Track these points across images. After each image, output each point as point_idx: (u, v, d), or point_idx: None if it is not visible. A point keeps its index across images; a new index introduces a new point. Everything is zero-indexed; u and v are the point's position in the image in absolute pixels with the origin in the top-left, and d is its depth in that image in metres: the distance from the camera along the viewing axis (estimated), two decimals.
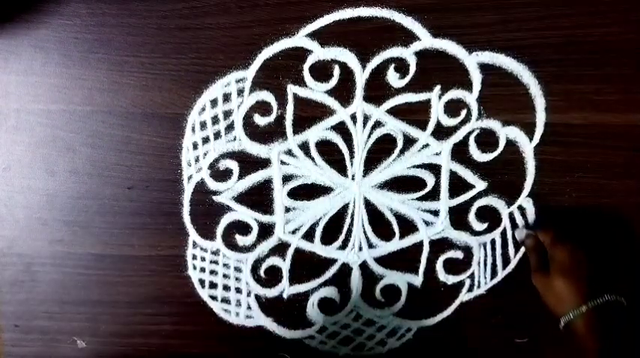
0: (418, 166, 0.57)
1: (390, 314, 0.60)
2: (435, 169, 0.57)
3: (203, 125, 0.57)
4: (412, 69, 0.55)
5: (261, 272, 0.59)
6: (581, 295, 0.49)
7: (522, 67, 0.55)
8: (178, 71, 0.56)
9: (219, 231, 0.58)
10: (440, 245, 0.58)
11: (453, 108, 0.56)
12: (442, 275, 0.59)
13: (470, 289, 0.59)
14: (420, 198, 0.58)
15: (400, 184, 0.57)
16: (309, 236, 0.58)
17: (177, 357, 0.60)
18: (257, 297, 0.59)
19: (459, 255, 0.59)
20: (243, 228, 0.58)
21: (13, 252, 0.59)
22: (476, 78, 0.56)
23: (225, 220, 0.58)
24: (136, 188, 0.58)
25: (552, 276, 0.51)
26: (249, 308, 0.60)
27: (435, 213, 0.58)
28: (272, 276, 0.59)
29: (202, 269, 0.59)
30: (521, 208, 0.57)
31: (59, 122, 0.57)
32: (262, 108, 0.57)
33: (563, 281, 0.50)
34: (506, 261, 0.59)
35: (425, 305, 0.59)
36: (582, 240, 0.52)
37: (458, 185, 0.57)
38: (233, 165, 0.57)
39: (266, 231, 0.58)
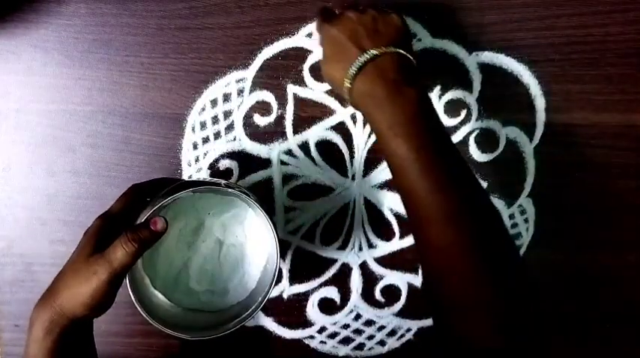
0: None
1: (390, 314, 0.60)
2: None
3: (203, 125, 0.57)
4: None
5: None
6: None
7: (522, 67, 0.55)
8: (178, 71, 0.56)
9: None
10: None
11: (453, 108, 0.56)
12: None
13: None
14: None
15: None
16: (309, 236, 0.58)
17: (177, 357, 0.60)
18: None
19: None
20: None
21: (13, 252, 0.59)
22: (476, 78, 0.56)
23: None
24: None
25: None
26: None
27: None
28: None
29: None
30: (521, 208, 0.57)
31: (59, 122, 0.57)
32: (262, 108, 0.57)
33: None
34: None
35: (425, 305, 0.59)
36: None
37: None
38: (233, 165, 0.57)
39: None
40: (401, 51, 0.43)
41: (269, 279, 0.49)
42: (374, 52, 0.42)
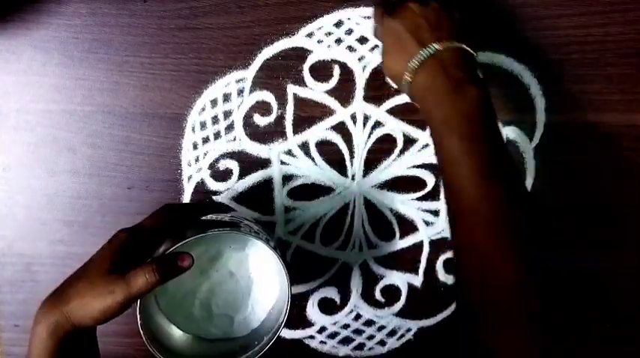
0: (418, 166, 0.57)
1: (390, 314, 0.60)
2: (435, 169, 0.57)
3: (203, 125, 0.57)
4: None
5: None
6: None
7: (522, 67, 0.55)
8: (178, 71, 0.56)
9: None
10: (440, 245, 0.58)
11: None
12: (442, 275, 0.59)
13: None
14: (420, 198, 0.58)
15: (400, 184, 0.57)
16: (309, 236, 0.58)
17: None
18: None
19: None
20: None
21: (13, 252, 0.59)
22: None
23: None
24: (135, 188, 0.58)
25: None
26: None
27: (435, 213, 0.58)
28: None
29: None
30: None
31: (59, 122, 0.57)
32: (262, 108, 0.57)
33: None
34: None
35: (425, 305, 0.59)
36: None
37: None
38: (233, 165, 0.57)
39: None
40: (464, 46, 0.42)
41: (274, 321, 0.48)
42: (436, 46, 0.41)
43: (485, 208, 0.37)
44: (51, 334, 0.40)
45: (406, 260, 0.59)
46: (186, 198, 0.58)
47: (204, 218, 0.50)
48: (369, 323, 0.60)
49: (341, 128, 0.57)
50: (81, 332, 0.41)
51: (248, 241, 0.52)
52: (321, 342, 0.60)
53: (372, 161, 0.57)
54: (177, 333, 0.50)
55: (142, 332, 0.45)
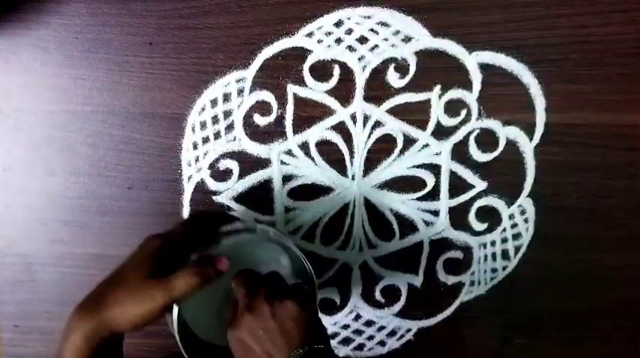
0: (418, 166, 0.57)
1: (390, 314, 0.59)
2: (435, 169, 0.57)
3: (203, 125, 0.57)
4: (412, 69, 0.55)
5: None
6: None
7: (522, 67, 0.55)
8: (178, 71, 0.56)
9: None
10: (440, 245, 0.58)
11: (453, 108, 0.56)
12: (442, 276, 0.59)
13: (470, 289, 0.59)
14: (420, 198, 0.58)
15: (400, 184, 0.57)
16: (309, 236, 0.58)
17: (177, 357, 0.60)
18: None
19: (458, 255, 0.59)
20: None
21: (13, 252, 0.59)
22: (476, 78, 0.56)
23: None
24: (135, 188, 0.58)
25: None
26: None
27: (435, 213, 0.58)
28: None
29: None
30: (521, 208, 0.57)
31: (59, 122, 0.57)
32: (262, 108, 0.57)
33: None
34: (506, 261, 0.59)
35: (425, 305, 0.59)
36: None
37: (458, 185, 0.57)
38: (233, 165, 0.57)
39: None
40: (315, 347, 0.41)
41: None
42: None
43: None
44: (87, 341, 0.40)
45: (406, 260, 0.59)
46: (186, 198, 0.58)
47: (222, 229, 0.50)
48: (369, 323, 0.60)
49: (341, 128, 0.57)
50: (115, 337, 0.42)
51: (270, 247, 0.51)
52: None
53: (372, 161, 0.57)
54: (201, 342, 0.50)
55: (178, 340, 0.44)
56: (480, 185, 0.57)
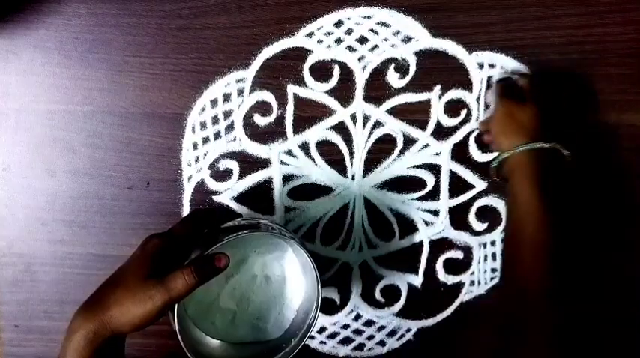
0: (418, 166, 0.57)
1: (390, 314, 0.60)
2: (435, 169, 0.57)
3: (203, 125, 0.57)
4: (412, 69, 0.56)
5: None
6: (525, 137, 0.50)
7: (522, 67, 0.55)
8: (178, 71, 0.56)
9: None
10: (440, 245, 0.58)
11: (453, 108, 0.56)
12: (442, 275, 0.59)
13: (470, 289, 0.59)
14: (420, 198, 0.58)
15: (400, 184, 0.57)
16: (309, 236, 0.58)
17: (177, 357, 0.60)
18: None
19: (459, 255, 0.59)
20: None
21: (13, 252, 0.59)
22: (476, 78, 0.56)
23: None
24: (135, 188, 0.58)
25: (527, 105, 0.51)
26: None
27: (435, 213, 0.58)
28: None
29: None
30: None
31: (59, 122, 0.57)
32: (262, 108, 0.57)
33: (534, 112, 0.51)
34: None
35: (425, 305, 0.59)
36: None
37: (458, 185, 0.57)
38: (233, 165, 0.57)
39: None
40: (557, 147, 0.50)
41: (302, 322, 0.48)
42: (539, 145, 0.49)
43: (541, 237, 0.47)
44: (89, 341, 0.40)
45: (406, 260, 0.59)
46: (186, 198, 0.58)
47: (223, 226, 0.50)
48: (369, 323, 0.60)
49: (341, 128, 0.57)
50: (116, 338, 0.42)
51: (272, 244, 0.51)
52: (321, 342, 0.60)
53: (372, 161, 0.57)
54: (205, 339, 0.50)
55: (180, 339, 0.44)
56: (480, 185, 0.57)
